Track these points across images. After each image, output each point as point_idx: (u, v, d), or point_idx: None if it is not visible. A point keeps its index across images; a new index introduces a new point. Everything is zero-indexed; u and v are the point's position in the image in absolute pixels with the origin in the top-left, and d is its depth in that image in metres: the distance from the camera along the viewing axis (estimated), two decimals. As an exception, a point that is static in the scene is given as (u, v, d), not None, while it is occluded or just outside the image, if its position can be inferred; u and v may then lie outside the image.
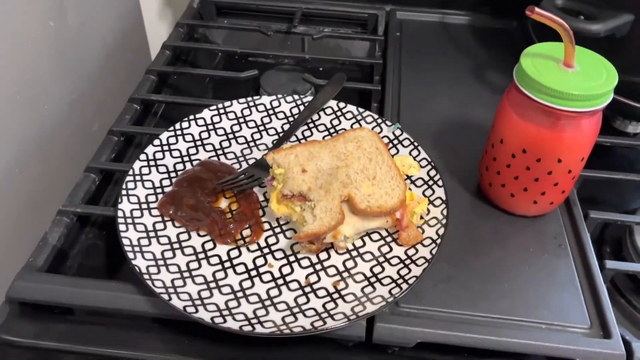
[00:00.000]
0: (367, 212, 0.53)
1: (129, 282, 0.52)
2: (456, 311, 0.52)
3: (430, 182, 0.60)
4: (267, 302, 0.50)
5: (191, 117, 0.67)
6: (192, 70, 0.80)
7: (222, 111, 0.68)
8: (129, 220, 0.55)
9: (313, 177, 0.55)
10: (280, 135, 0.67)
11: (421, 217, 0.57)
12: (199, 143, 0.65)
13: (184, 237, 0.55)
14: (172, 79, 0.84)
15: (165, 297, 0.48)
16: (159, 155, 0.62)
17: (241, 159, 0.64)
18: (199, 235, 0.55)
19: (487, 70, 0.81)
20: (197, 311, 0.47)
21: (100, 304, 0.51)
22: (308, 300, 0.50)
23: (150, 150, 0.62)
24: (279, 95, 0.70)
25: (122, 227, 0.54)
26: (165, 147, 0.63)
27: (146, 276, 0.50)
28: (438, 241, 0.54)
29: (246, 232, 0.56)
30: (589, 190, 0.64)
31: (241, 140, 0.66)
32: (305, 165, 0.56)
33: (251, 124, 0.68)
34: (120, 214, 0.55)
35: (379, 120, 0.67)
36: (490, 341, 0.50)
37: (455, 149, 0.67)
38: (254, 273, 0.52)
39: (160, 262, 0.52)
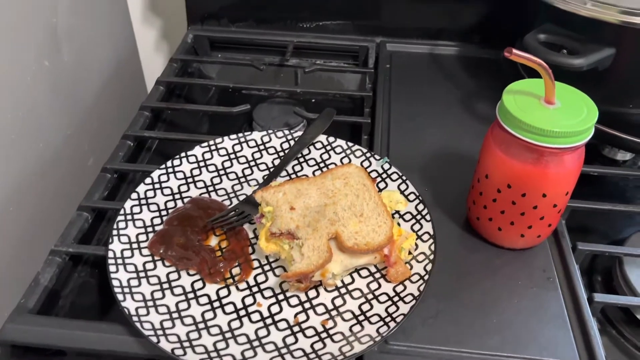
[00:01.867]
0: (354, 250, 0.53)
1: (119, 323, 0.52)
2: (445, 348, 0.52)
3: (419, 217, 0.60)
4: (256, 343, 0.50)
5: (182, 154, 0.67)
6: (185, 105, 0.81)
7: (213, 147, 0.69)
8: (119, 261, 0.55)
9: (301, 215, 0.55)
10: (271, 170, 0.67)
11: (409, 253, 0.57)
12: (190, 180, 0.65)
13: (173, 276, 0.55)
14: (166, 114, 0.85)
15: (154, 339, 0.48)
16: (150, 193, 0.63)
17: (232, 195, 0.65)
18: (188, 274, 0.56)
19: (476, 100, 0.82)
20: (185, 354, 0.47)
21: (91, 346, 0.51)
22: (296, 341, 0.50)
23: (141, 188, 0.62)
24: (270, 131, 0.71)
25: (112, 268, 0.54)
26: (157, 185, 0.64)
27: (135, 318, 0.50)
28: (426, 277, 0.54)
29: (235, 271, 0.56)
30: (578, 220, 0.64)
31: (232, 176, 0.67)
32: (294, 203, 0.56)
33: (242, 160, 0.69)
34: (110, 254, 0.55)
35: (368, 155, 0.67)
36: (480, 379, 0.49)
37: (443, 182, 0.67)
38: (242, 313, 0.52)
39: (150, 303, 0.52)
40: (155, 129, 0.80)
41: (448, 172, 0.69)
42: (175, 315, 0.52)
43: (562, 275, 0.58)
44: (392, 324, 0.50)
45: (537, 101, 0.53)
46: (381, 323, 0.50)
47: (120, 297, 0.51)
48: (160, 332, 0.49)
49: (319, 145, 0.70)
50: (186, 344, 0.48)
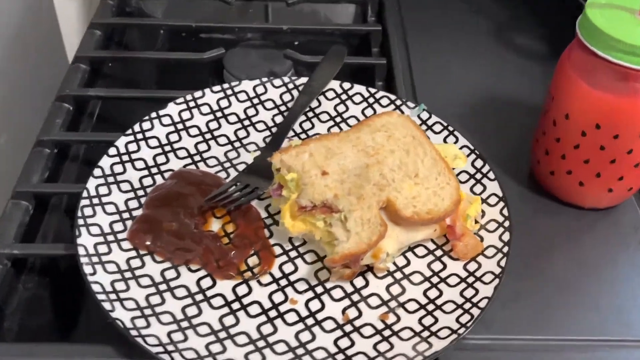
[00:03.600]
0: (413, 221, 0.51)
1: (105, 344, 0.49)
2: (534, 337, 0.51)
3: (479, 176, 0.59)
4: (300, 351, 0.48)
5: (153, 114, 0.63)
6: (139, 54, 0.77)
7: (192, 104, 0.65)
8: (95, 259, 0.51)
9: (338, 181, 0.53)
10: (273, 130, 0.64)
11: (476, 222, 0.56)
12: (167, 148, 0.62)
13: (170, 274, 0.52)
14: (106, 68, 0.80)
15: (166, 357, 0.45)
16: (118, 168, 0.59)
17: (227, 164, 0.62)
18: (190, 270, 0.53)
19: (509, 31, 0.82)
20: (211, 372, 0.44)
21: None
22: (352, 343, 0.48)
23: (105, 162, 0.58)
24: (264, 79, 0.68)
25: (87, 269, 0.50)
26: (125, 157, 0.60)
27: (134, 332, 0.46)
28: (505, 249, 0.53)
29: (252, 261, 0.54)
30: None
31: (222, 140, 0.64)
32: (325, 166, 0.54)
33: (232, 119, 0.65)
34: (82, 251, 0.51)
35: (398, 102, 0.66)
36: (588, 371, 0.49)
37: (492, 132, 0.66)
38: (273, 314, 0.50)
39: (148, 312, 0.49)
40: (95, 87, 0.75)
41: (494, 121, 0.68)
42: (184, 324, 0.49)
43: (660, 235, 0.58)
44: (474, 311, 0.49)
45: (630, 15, 0.52)
46: (459, 311, 0.49)
47: (107, 305, 0.47)
48: (171, 348, 0.46)
49: (331, 94, 0.68)
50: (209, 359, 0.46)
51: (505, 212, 0.55)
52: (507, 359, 0.50)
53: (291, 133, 0.64)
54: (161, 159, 0.61)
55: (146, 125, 0.62)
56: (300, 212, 0.52)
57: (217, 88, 0.66)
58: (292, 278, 0.53)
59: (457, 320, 0.49)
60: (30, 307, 0.57)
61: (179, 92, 0.67)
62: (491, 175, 0.58)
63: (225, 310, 0.50)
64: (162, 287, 0.51)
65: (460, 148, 0.61)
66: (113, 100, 0.74)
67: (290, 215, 0.53)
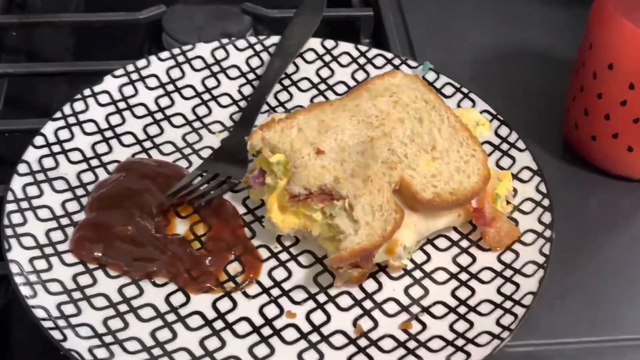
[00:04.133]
0: (434, 204, 0.53)
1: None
2: (594, 339, 0.54)
3: (505, 147, 0.61)
4: (307, 375, 0.49)
5: (87, 92, 0.64)
6: (52, 17, 0.77)
7: (135, 77, 0.66)
8: (33, 278, 0.52)
9: (337, 161, 0.55)
10: (242, 104, 0.66)
11: (507, 203, 0.58)
12: (109, 134, 0.63)
13: (131, 291, 0.53)
14: (9, 39, 0.80)
15: (140, 393, 0.46)
16: (48, 162, 0.59)
17: (187, 150, 0.63)
18: (155, 285, 0.54)
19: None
20: (200, 408, 0.46)
21: None
22: (371, 360, 0.50)
23: (32, 155, 0.59)
24: (225, 41, 0.69)
25: (26, 291, 0.50)
26: (57, 148, 0.60)
27: (94, 365, 0.47)
28: (547, 233, 0.55)
29: (234, 268, 0.55)
30: None
31: (178, 120, 0.65)
32: (320, 143, 0.55)
33: (188, 93, 0.67)
34: (15, 268, 0.52)
35: (396, 61, 0.68)
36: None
37: (512, 94, 0.69)
38: (267, 332, 0.51)
39: (108, 339, 0.49)
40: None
41: (515, 79, 0.71)
42: (157, 351, 0.49)
43: None
44: (518, 310, 0.51)
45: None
46: (499, 312, 0.51)
47: (56, 335, 0.48)
48: None
49: (310, 56, 0.69)
50: (195, 394, 0.47)
51: (542, 188, 0.58)
52: None
53: (265, 107, 0.66)
54: (102, 148, 0.62)
55: (79, 106, 0.63)
56: (292, 202, 0.54)
57: (165, 54, 0.67)
58: (287, 286, 0.54)
59: (497, 322, 0.50)
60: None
61: (115, 63, 0.68)
62: (520, 144, 0.61)
63: (206, 331, 0.51)
64: (123, 307, 0.52)
65: (481, 113, 0.63)
66: (24, 78, 0.73)
67: (279, 207, 0.55)
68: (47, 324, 0.49)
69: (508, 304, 0.52)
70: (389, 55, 0.67)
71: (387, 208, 0.52)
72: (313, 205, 0.54)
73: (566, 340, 0.53)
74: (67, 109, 0.62)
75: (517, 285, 0.53)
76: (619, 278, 0.57)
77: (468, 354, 0.49)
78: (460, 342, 0.50)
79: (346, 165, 0.54)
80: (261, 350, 0.50)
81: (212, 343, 0.50)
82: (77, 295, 0.52)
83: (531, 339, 0.53)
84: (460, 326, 0.51)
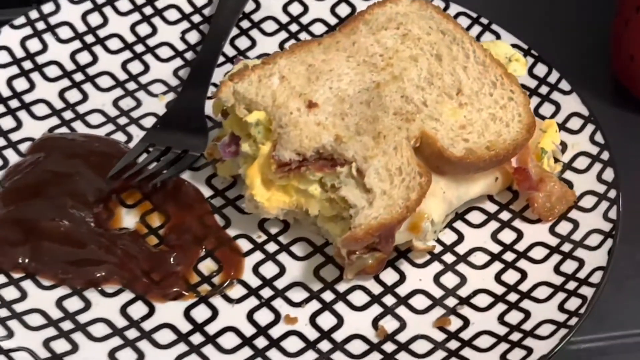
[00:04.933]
0: (467, 163, 0.58)
1: None
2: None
3: (544, 90, 0.67)
4: (321, 392, 0.53)
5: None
6: None
7: (41, 27, 0.70)
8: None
9: (336, 115, 0.59)
10: (188, 56, 0.71)
11: (556, 160, 0.64)
12: (15, 104, 0.67)
13: (74, 305, 0.57)
14: None
15: None
16: (-61, 145, 0.63)
17: (122, 120, 0.68)
18: (104, 294, 0.58)
19: None
20: None
21: None
22: (402, 368, 0.55)
23: None
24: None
25: None
26: (-53, 125, 0.64)
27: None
28: (611, 194, 0.61)
29: (207, 267, 0.60)
30: None
31: (105, 82, 0.70)
32: (311, 94, 0.60)
33: (114, 44, 0.71)
34: None
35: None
36: None
37: (543, 27, 0.75)
38: (262, 343, 0.56)
39: None
40: None
41: (543, 9, 0.77)
42: None
43: None
44: (585, 291, 0.56)
45: None
46: (562, 295, 0.57)
47: (-12, 365, 0.52)
48: None
49: (272, -14, 0.74)
50: None
51: (598, 137, 0.64)
52: None
53: (221, 59, 0.71)
54: (7, 123, 0.66)
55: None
56: (281, 173, 0.58)
57: (73, -6, 0.71)
58: (280, 285, 0.59)
59: (561, 308, 0.56)
60: None
61: (9, 12, 0.72)
62: (564, 85, 0.66)
63: (182, 348, 0.56)
64: (67, 325, 0.56)
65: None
66: None
67: (263, 182, 0.59)
68: None
69: (572, 285, 0.57)
70: (377, -20, 0.71)
71: (409, 171, 0.57)
72: (309, 176, 0.58)
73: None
74: None
75: (581, 261, 0.58)
76: None
77: (529, 350, 0.54)
78: (515, 336, 0.55)
79: (349, 120, 0.59)
80: None
81: None
82: (3, 312, 0.56)
83: (599, 333, 0.59)
84: (513, 317, 0.56)
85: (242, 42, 0.71)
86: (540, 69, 0.67)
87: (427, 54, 0.62)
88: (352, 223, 0.56)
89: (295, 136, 0.58)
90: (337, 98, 0.60)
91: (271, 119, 0.59)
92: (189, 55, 0.70)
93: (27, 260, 0.58)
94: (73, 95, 0.67)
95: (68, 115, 0.66)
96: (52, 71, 0.67)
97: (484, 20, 0.69)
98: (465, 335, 0.57)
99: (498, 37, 0.69)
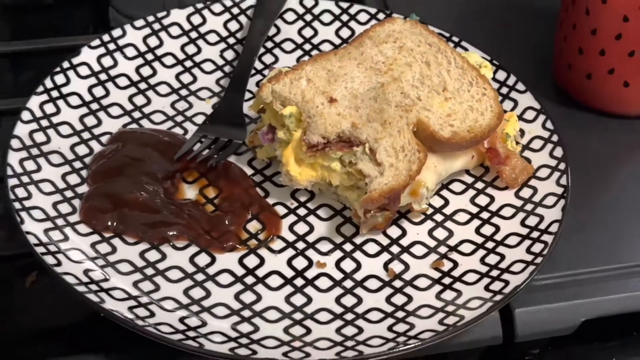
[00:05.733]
0: (453, 143, 0.61)
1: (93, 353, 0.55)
2: (614, 266, 0.62)
3: (505, 90, 0.70)
4: (349, 316, 0.56)
5: (65, 64, 0.69)
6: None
7: (112, 47, 0.72)
8: (52, 248, 0.57)
9: (351, 107, 0.62)
10: (226, 69, 0.73)
11: (517, 142, 0.66)
12: (95, 107, 0.68)
13: (153, 256, 0.59)
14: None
15: (192, 343, 0.52)
16: (39, 136, 0.65)
17: (178, 118, 0.69)
18: (176, 248, 0.60)
19: None
20: (254, 352, 0.52)
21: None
22: (410, 298, 0.57)
23: (22, 130, 0.64)
24: (199, 6, 0.76)
25: (50, 260, 0.56)
26: (45, 122, 0.66)
27: (140, 322, 0.53)
28: (561, 166, 0.64)
29: (253, 227, 0.62)
30: None
31: (163, 89, 0.71)
32: (331, 92, 0.62)
33: (169, 61, 0.73)
34: (33, 239, 0.57)
35: (381, 16, 0.75)
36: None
37: (499, 42, 0.77)
38: (300, 282, 0.58)
39: (144, 300, 0.55)
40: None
41: (499, 28, 0.79)
42: (195, 308, 0.55)
43: None
44: (546, 237, 0.59)
45: None
46: (528, 241, 0.59)
47: (93, 297, 0.54)
48: (193, 334, 0.53)
49: (290, 16, 0.77)
50: (244, 340, 0.53)
51: (549, 125, 0.67)
52: (585, 293, 0.60)
53: (253, 71, 0.73)
54: (91, 121, 0.67)
55: (60, 79, 0.68)
56: (310, 152, 0.60)
57: (140, 22, 0.73)
58: (311, 239, 0.61)
59: (528, 251, 0.58)
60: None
61: (81, 38, 0.74)
62: (520, 86, 0.69)
63: (239, 287, 0.57)
64: (149, 271, 0.58)
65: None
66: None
67: (295, 160, 0.61)
68: (81, 289, 0.54)
69: (535, 234, 0.60)
70: (372, 10, 0.75)
71: (410, 148, 0.59)
72: (332, 155, 0.60)
73: (584, 270, 0.61)
74: (48, 83, 0.67)
75: (541, 217, 0.61)
76: (628, 211, 0.66)
77: (506, 282, 0.56)
78: (495, 272, 0.58)
79: (361, 111, 0.61)
80: (298, 299, 0.57)
81: (248, 297, 0.57)
82: (100, 262, 0.57)
83: (556, 271, 0.61)
84: (492, 259, 0.59)
85: (267, 58, 0.73)
86: (501, 75, 0.70)
87: (418, 61, 0.64)
88: (368, 189, 0.58)
89: (321, 124, 0.61)
90: (351, 95, 0.63)
91: (301, 111, 0.62)
92: (226, 68, 0.72)
93: (114, 224, 0.60)
94: (139, 100, 0.68)
95: (136, 115, 0.67)
96: (122, 81, 0.69)
97: (455, 39, 0.72)
98: (456, 273, 0.59)
99: (465, 49, 0.72)
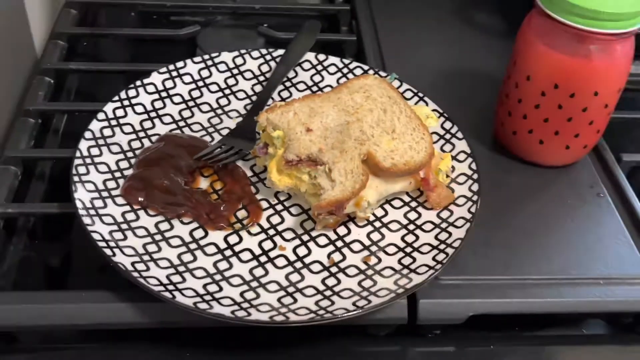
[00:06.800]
0: (391, 172, 0.57)
1: (104, 290, 0.53)
2: (505, 277, 0.57)
3: (448, 136, 0.65)
4: (291, 289, 0.53)
5: (138, 83, 0.68)
6: (116, 30, 0.81)
7: (174, 74, 0.70)
8: (92, 212, 0.55)
9: (321, 137, 0.58)
10: (253, 98, 0.70)
11: (447, 176, 0.62)
12: (153, 114, 0.66)
13: (164, 226, 0.57)
14: (80, 46, 0.84)
15: (167, 295, 0.49)
16: (107, 132, 0.63)
17: (210, 129, 0.67)
18: (182, 223, 0.57)
19: (469, 10, 0.89)
20: (211, 307, 0.49)
21: (71, 321, 0.52)
22: (339, 282, 0.54)
23: (95, 126, 0.63)
24: (243, 51, 0.73)
25: (86, 220, 0.54)
26: (113, 122, 0.64)
27: (135, 274, 0.51)
28: (474, 198, 0.59)
29: (241, 214, 0.59)
30: (615, 133, 0.71)
31: (205, 108, 0.69)
32: (310, 124, 0.59)
33: (213, 88, 0.70)
34: (79, 204, 0.55)
35: (370, 72, 0.72)
36: (551, 304, 0.56)
37: (458, 100, 0.73)
38: (264, 259, 0.55)
39: (146, 257, 0.53)
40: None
41: (459, 92, 0.75)
42: (181, 268, 0.53)
43: (612, 189, 0.66)
44: (449, 250, 0.55)
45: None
46: (435, 251, 0.55)
47: (108, 252, 0.52)
48: (171, 287, 0.50)
49: (307, 65, 0.73)
50: (208, 297, 0.50)
51: (473, 166, 0.62)
52: (476, 294, 0.55)
53: (270, 101, 0.69)
54: (147, 124, 0.65)
55: (132, 92, 0.67)
56: (287, 166, 0.57)
57: (198, 59, 0.71)
58: (280, 228, 0.58)
59: (433, 259, 0.54)
60: (23, 267, 0.60)
61: (159, 65, 0.72)
62: (459, 134, 0.65)
63: (219, 256, 0.55)
64: (158, 237, 0.56)
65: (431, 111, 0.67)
66: (91, 74, 0.78)
67: (277, 170, 0.58)
68: (101, 244, 0.52)
69: (442, 247, 0.55)
70: (365, 67, 0.71)
71: (357, 172, 0.56)
72: (302, 169, 0.57)
73: (484, 277, 0.56)
74: (122, 94, 0.66)
75: (450, 234, 0.56)
76: (528, 236, 0.60)
77: (410, 279, 0.53)
78: (405, 271, 0.54)
79: (328, 140, 0.58)
80: (258, 271, 0.54)
81: (223, 265, 0.54)
82: (124, 226, 0.55)
83: (460, 275, 0.56)
84: (406, 261, 0.55)
85: (284, 94, 0.70)
86: (448, 125, 0.65)
87: (378, 108, 0.61)
88: (320, 198, 0.55)
89: (297, 146, 0.58)
90: (324, 127, 0.59)
91: (285, 135, 0.59)
92: (254, 98, 0.69)
93: (143, 199, 0.58)
94: (186, 113, 0.66)
95: (182, 124, 0.65)
96: (177, 99, 0.67)
97: (420, 94, 0.68)
98: (377, 268, 0.55)
99: (427, 103, 0.67)
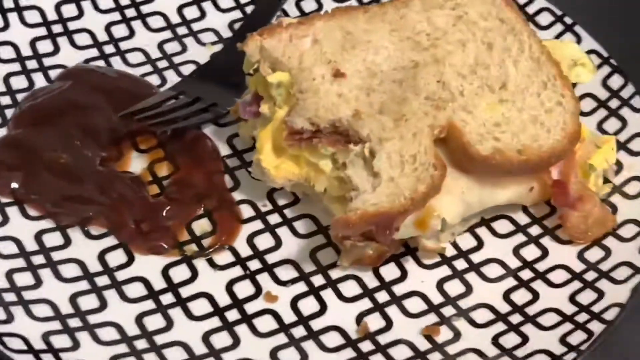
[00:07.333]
0: (493, 164, 0.54)
1: None
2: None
3: (614, 103, 0.62)
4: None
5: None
6: None
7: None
8: None
9: (362, 89, 0.56)
10: (248, 10, 0.68)
11: (605, 180, 0.59)
12: (58, 29, 0.66)
13: (52, 240, 0.55)
14: None
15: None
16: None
17: (162, 63, 0.66)
18: (88, 236, 0.56)
19: None
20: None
21: None
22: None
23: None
24: None
25: None
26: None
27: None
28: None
29: (201, 227, 0.57)
30: None
31: (156, 21, 0.67)
32: (341, 63, 0.56)
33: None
34: None
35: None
36: None
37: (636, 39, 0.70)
38: (233, 316, 0.53)
39: (10, 297, 0.52)
40: None
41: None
42: (74, 323, 0.51)
43: None
44: (594, 326, 0.51)
45: None
46: (568, 326, 0.52)
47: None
48: (47, 358, 0.49)
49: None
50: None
51: None
52: None
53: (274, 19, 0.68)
54: (45, 46, 0.64)
55: (20, -14, 0.66)
56: (292, 141, 0.55)
57: None
58: (271, 259, 0.56)
59: (562, 340, 0.51)
60: None
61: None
62: (637, 102, 0.61)
63: (148, 305, 0.53)
64: (37, 259, 0.54)
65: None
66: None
67: (273, 147, 0.56)
68: None
69: (582, 317, 0.52)
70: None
71: (423, 161, 0.53)
72: (321, 149, 0.55)
73: None
74: None
75: (601, 293, 0.53)
76: None
77: None
78: (505, 360, 0.51)
79: (374, 96, 0.56)
80: (220, 339, 0.52)
81: (154, 322, 0.52)
82: None
83: None
84: (509, 340, 0.52)
85: (307, 5, 0.69)
86: (616, 81, 0.63)
87: (478, 40, 0.58)
88: (349, 206, 0.53)
89: (312, 104, 0.56)
90: (368, 72, 0.57)
91: (293, 82, 0.57)
92: (249, 8, 0.67)
93: (18, 187, 0.57)
94: (119, 30, 0.65)
95: (109, 49, 0.64)
96: (105, 2, 0.66)
97: (568, 20, 0.65)
98: (451, 350, 0.52)
99: (579, 39, 0.65)
